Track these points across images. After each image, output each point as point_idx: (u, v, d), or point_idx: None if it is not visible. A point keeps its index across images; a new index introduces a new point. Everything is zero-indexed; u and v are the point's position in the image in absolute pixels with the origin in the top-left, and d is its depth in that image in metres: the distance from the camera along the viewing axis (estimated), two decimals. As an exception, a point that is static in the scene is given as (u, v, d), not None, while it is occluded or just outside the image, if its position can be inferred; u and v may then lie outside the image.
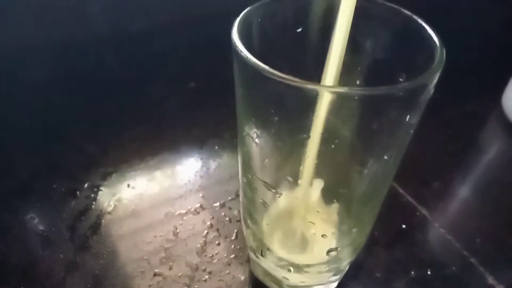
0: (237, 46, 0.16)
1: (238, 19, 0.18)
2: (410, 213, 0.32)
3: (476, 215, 0.32)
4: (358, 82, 0.21)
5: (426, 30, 0.17)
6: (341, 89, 0.15)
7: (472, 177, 0.36)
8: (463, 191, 0.34)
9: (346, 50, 0.17)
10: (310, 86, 0.14)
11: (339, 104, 0.15)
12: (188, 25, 0.53)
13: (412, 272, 0.28)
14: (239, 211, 0.31)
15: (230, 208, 0.31)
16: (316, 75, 0.18)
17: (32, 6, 0.46)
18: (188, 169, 0.34)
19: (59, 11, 0.47)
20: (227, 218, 0.31)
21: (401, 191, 0.33)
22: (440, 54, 0.15)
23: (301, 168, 0.20)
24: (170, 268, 0.27)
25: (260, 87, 0.17)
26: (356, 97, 0.14)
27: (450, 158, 0.37)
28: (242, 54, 0.16)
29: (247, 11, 0.18)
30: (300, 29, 0.20)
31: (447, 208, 0.33)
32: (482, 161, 0.37)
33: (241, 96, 0.19)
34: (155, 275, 0.27)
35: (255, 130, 0.19)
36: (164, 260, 0.28)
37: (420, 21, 0.17)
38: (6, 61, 0.46)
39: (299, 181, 0.20)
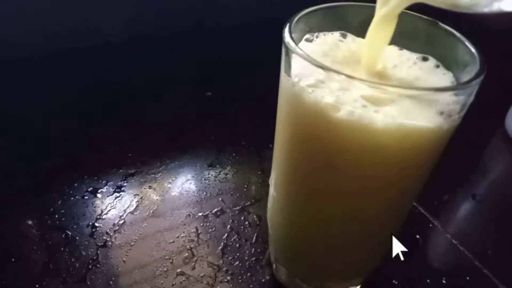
0: (290, 45, 0.17)
1: (288, 24, 0.19)
2: (423, 224, 0.33)
3: (484, 227, 0.33)
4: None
5: (464, 42, 0.18)
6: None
7: (479, 192, 0.37)
8: (471, 205, 0.35)
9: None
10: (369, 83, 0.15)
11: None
12: (204, 36, 0.54)
13: (428, 281, 0.28)
14: (258, 216, 0.32)
15: (249, 213, 0.32)
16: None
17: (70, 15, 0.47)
18: (207, 174, 0.35)
19: (81, 19, 0.48)
20: (247, 222, 0.31)
21: (414, 203, 0.34)
22: (482, 62, 0.17)
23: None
24: (193, 268, 0.27)
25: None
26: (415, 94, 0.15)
27: (457, 173, 0.38)
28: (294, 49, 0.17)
29: (296, 16, 0.19)
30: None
31: (457, 220, 0.34)
32: (488, 176, 0.39)
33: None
34: (178, 274, 0.27)
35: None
36: (187, 260, 0.28)
37: (458, 34, 0.19)
38: (28, 66, 0.46)
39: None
